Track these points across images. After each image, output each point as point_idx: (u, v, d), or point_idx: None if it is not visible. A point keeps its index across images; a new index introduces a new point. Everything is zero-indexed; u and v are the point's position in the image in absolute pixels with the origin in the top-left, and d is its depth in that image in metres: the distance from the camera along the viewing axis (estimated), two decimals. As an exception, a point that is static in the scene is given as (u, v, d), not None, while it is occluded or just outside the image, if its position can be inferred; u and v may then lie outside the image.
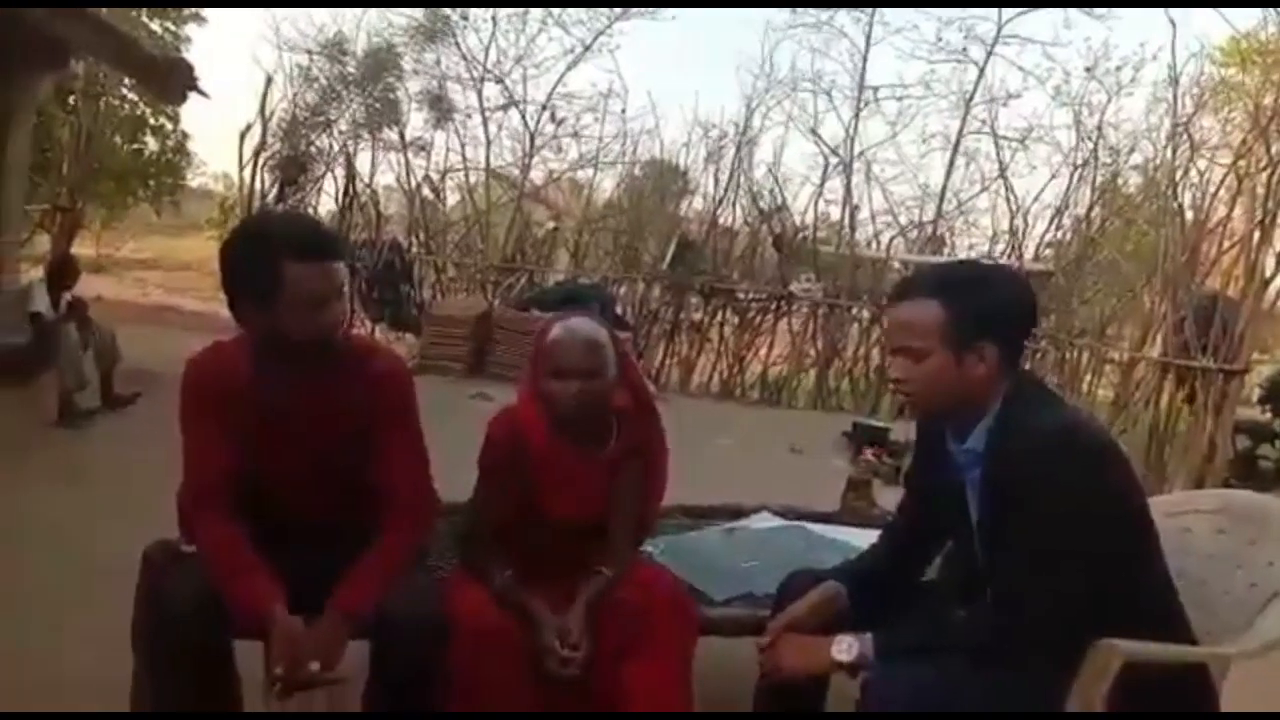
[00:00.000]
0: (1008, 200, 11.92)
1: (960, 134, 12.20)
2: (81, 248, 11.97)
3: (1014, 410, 1.85)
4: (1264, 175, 7.06)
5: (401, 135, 12.80)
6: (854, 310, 11.17)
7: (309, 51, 12.76)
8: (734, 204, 11.69)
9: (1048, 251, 11.82)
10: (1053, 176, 11.92)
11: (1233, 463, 7.09)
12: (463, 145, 12.79)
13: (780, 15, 12.80)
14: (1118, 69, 11.55)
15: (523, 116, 12.74)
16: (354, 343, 2.16)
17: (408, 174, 12.48)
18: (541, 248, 12.18)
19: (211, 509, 1.99)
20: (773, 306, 11.12)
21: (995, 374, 1.86)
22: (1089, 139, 11.50)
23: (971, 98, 12.16)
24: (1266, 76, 10.45)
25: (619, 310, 10.58)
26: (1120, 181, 11.84)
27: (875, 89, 12.41)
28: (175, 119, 16.97)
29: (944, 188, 12.17)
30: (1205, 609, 1.96)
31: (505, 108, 12.85)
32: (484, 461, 2.31)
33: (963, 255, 11.21)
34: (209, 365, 2.09)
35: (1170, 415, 7.43)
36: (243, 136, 10.90)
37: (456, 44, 12.96)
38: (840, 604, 2.06)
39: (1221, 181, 7.87)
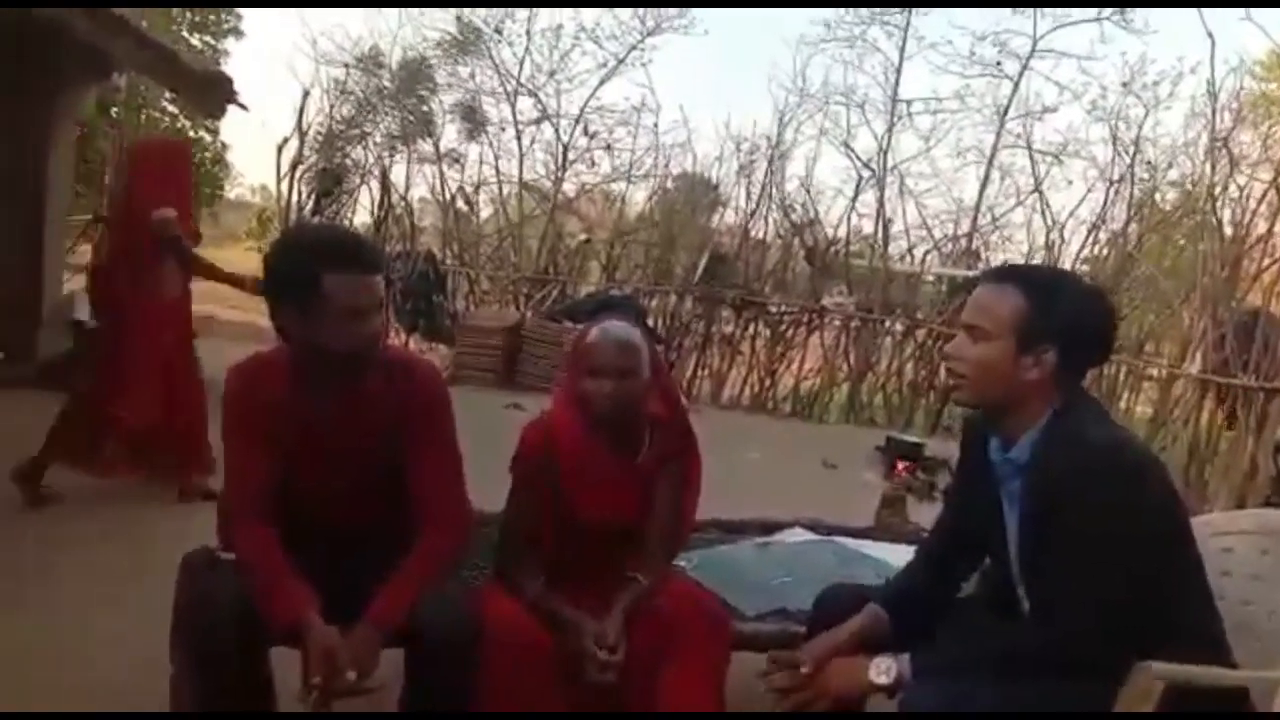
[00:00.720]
0: (1043, 215, 11.83)
1: (995, 148, 12.13)
2: (122, 257, 12.15)
3: (1063, 424, 1.83)
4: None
5: (436, 148, 12.94)
6: (887, 324, 11.10)
7: (345, 65, 12.96)
8: (766, 217, 11.68)
9: (1084, 267, 11.68)
10: (1089, 191, 11.80)
11: (1275, 482, 6.96)
12: (496, 158, 12.91)
13: (813, 29, 12.85)
14: (1155, 83, 11.46)
15: (556, 130, 12.84)
16: (391, 354, 2.18)
17: (442, 186, 12.59)
18: (573, 259, 12.23)
19: (250, 517, 2.02)
20: (805, 320, 11.07)
21: (1048, 382, 1.84)
22: (1126, 154, 11.38)
23: (1006, 112, 12.10)
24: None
25: (650, 322, 10.59)
26: (1158, 197, 11.70)
27: (909, 103, 12.39)
28: (214, 131, 17.27)
29: (978, 202, 12.10)
30: (1248, 631, 1.93)
31: (538, 121, 12.95)
32: (516, 467, 2.33)
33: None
34: (250, 376, 2.12)
35: (1210, 433, 7.31)
36: (280, 149, 11.04)
37: (490, 57, 13.10)
38: (881, 628, 2.04)
39: (1262, 197, 7.75)
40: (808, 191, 11.92)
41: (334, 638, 1.87)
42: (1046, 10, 11.87)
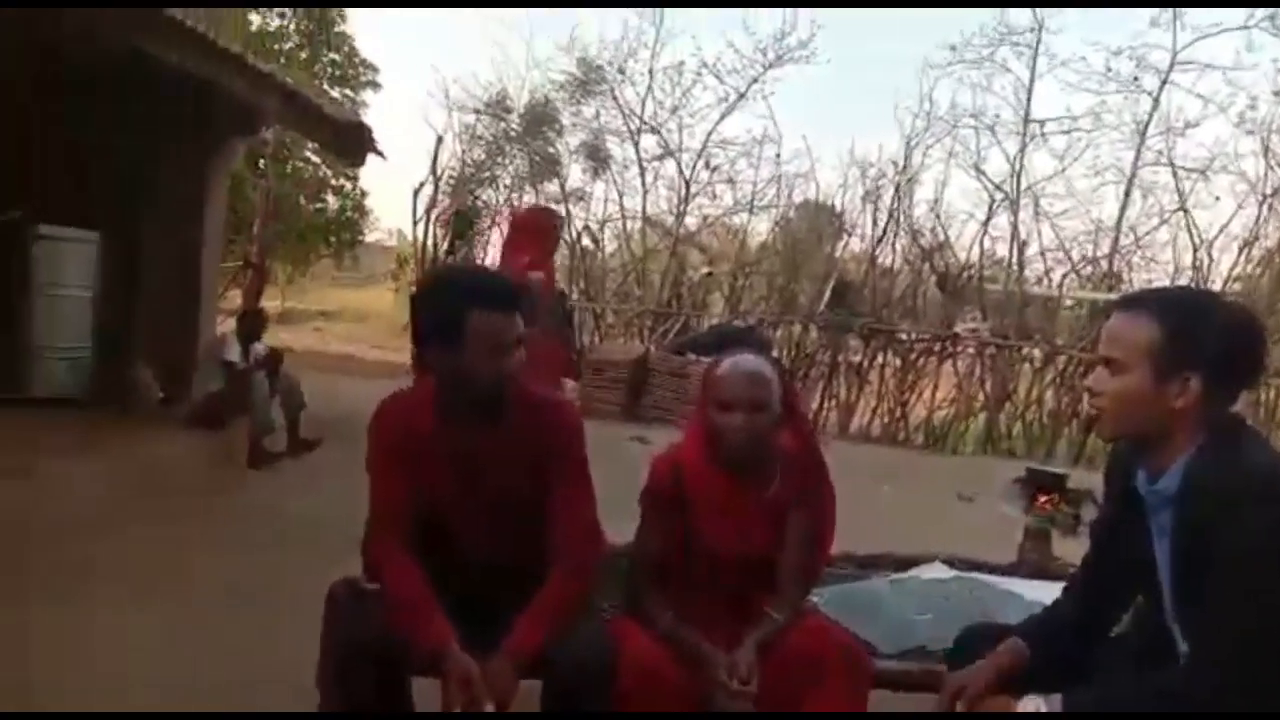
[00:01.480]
0: (1189, 233, 11.31)
1: (1135, 166, 11.65)
2: (267, 300, 12.85)
3: (1214, 451, 1.74)
4: None
5: (562, 187, 13.26)
6: (1024, 350, 10.73)
7: (475, 111, 13.41)
8: (893, 243, 11.49)
9: (1235, 286, 11.06)
10: (1239, 207, 11.21)
11: None
12: (620, 195, 13.16)
13: (938, 53, 12.64)
14: (1309, 91, 10.81)
15: (678, 165, 13.00)
16: (529, 390, 2.24)
17: (568, 224, 12.86)
18: (697, 292, 12.30)
19: (394, 548, 2.09)
20: (936, 348, 10.81)
21: (1194, 409, 1.75)
22: (1278, 166, 10.75)
23: (1146, 128, 11.60)
24: None
25: (774, 353, 10.53)
26: (1316, 210, 11.00)
27: (1041, 122, 12.04)
28: (354, 179, 18.08)
29: (1119, 222, 11.64)
30: None
31: (661, 157, 13.12)
32: (646, 499, 2.35)
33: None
34: (395, 411, 2.22)
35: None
36: (416, 193, 11.50)
37: (614, 97, 13.35)
38: (1021, 663, 1.95)
39: None
40: (937, 216, 11.70)
41: (473, 668, 1.92)
42: (1187, 22, 11.37)
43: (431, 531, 2.13)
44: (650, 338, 11.52)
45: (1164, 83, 11.51)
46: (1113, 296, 10.02)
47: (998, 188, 11.82)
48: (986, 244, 11.72)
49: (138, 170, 7.14)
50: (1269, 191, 10.79)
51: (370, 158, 8.57)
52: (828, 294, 11.21)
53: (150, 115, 6.84)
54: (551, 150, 13.64)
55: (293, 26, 17.41)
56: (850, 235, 12.27)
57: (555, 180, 13.50)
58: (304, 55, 17.15)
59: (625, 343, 11.68)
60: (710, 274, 12.55)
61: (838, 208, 12.31)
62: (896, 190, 11.58)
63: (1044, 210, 11.91)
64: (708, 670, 2.07)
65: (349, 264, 20.02)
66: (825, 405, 10.94)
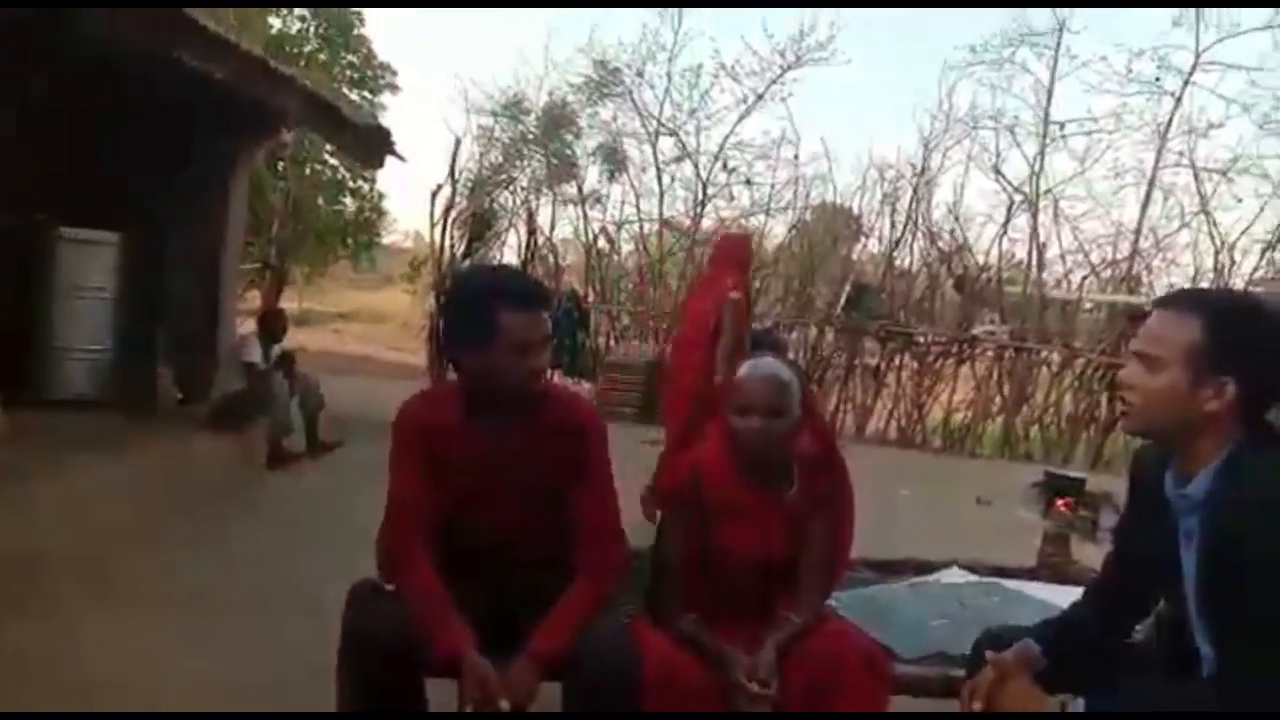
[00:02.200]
0: (1211, 236, 11.21)
1: (1156, 167, 11.55)
2: (286, 301, 12.92)
3: (1246, 457, 1.72)
4: None
5: (579, 189, 13.26)
6: (1043, 354, 10.66)
7: (493, 113, 13.44)
8: (911, 246, 11.44)
9: (1257, 289, 10.94)
10: (1262, 209, 11.10)
11: None
12: (637, 197, 13.16)
13: (957, 54, 12.58)
14: (1337, 91, 10.71)
15: (695, 167, 12.98)
16: (554, 392, 2.26)
17: (585, 226, 12.89)
18: (714, 295, 12.24)
19: (413, 549, 2.11)
20: (954, 350, 10.75)
21: (1227, 414, 1.73)
22: (1303, 166, 10.66)
23: (1168, 129, 11.51)
24: None
25: (790, 356, 10.50)
26: (1342, 212, 10.90)
27: (1061, 124, 11.96)
28: (372, 181, 18.14)
29: (1139, 224, 11.55)
30: None
31: (679, 159, 13.11)
32: (666, 501, 2.34)
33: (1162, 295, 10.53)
34: (420, 410, 2.23)
35: None
36: (434, 196, 11.53)
37: (631, 99, 13.35)
38: (1036, 665, 1.94)
39: None
40: (956, 218, 11.64)
41: (488, 668, 1.93)
42: (1210, 22, 11.28)
43: (455, 528, 2.15)
44: (666, 340, 11.51)
45: (1186, 83, 11.44)
46: (1133, 300, 9.96)
47: (1017, 190, 11.77)
48: (1005, 246, 11.68)
49: (159, 172, 7.19)
50: (1292, 192, 10.71)
51: (387, 159, 8.61)
52: (845, 296, 11.17)
53: (172, 117, 6.89)
54: (569, 152, 13.67)
55: (312, 30, 17.50)
56: (868, 237, 12.25)
57: (573, 182, 13.52)
58: (323, 58, 17.24)
59: (641, 345, 11.68)
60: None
61: (855, 210, 12.28)
62: (915, 192, 11.54)
63: (1064, 212, 11.85)
64: (728, 673, 2.08)
65: (366, 265, 20.08)
66: (841, 408, 10.90)
